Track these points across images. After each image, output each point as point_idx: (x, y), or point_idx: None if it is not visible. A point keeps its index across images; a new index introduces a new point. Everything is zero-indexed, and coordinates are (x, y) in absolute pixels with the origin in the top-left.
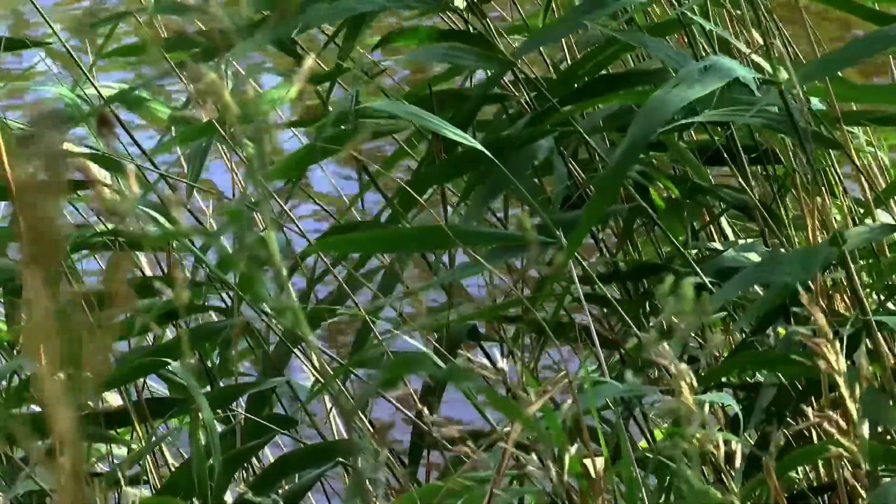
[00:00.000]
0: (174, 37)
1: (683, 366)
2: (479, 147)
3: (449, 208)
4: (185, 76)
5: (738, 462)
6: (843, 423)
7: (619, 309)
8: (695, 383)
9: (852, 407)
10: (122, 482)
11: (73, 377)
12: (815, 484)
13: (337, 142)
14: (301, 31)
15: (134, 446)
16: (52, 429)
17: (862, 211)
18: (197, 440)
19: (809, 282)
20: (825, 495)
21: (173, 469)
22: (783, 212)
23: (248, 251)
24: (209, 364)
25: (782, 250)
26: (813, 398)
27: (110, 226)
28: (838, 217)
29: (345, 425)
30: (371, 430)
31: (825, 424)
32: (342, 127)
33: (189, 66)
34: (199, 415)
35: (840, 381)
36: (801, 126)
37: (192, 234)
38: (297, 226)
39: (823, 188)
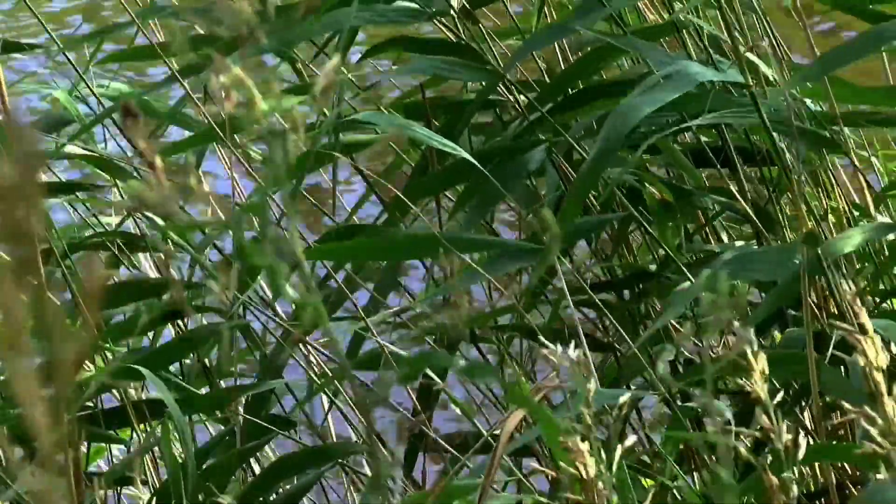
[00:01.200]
0: (190, 36)
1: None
2: (469, 158)
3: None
4: (211, 69)
5: (801, 452)
6: (880, 421)
7: (610, 316)
8: (766, 368)
9: (889, 405)
10: (130, 481)
11: (52, 379)
12: (807, 490)
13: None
14: (294, 44)
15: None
16: (31, 432)
17: (857, 213)
18: (168, 447)
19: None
20: (818, 501)
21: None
22: (779, 214)
23: (270, 244)
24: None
25: (755, 247)
26: (807, 401)
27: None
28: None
29: (364, 419)
30: (373, 431)
31: (862, 422)
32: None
33: (216, 59)
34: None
35: (879, 378)
36: (771, 126)
37: (212, 224)
38: (296, 227)
39: (819, 188)
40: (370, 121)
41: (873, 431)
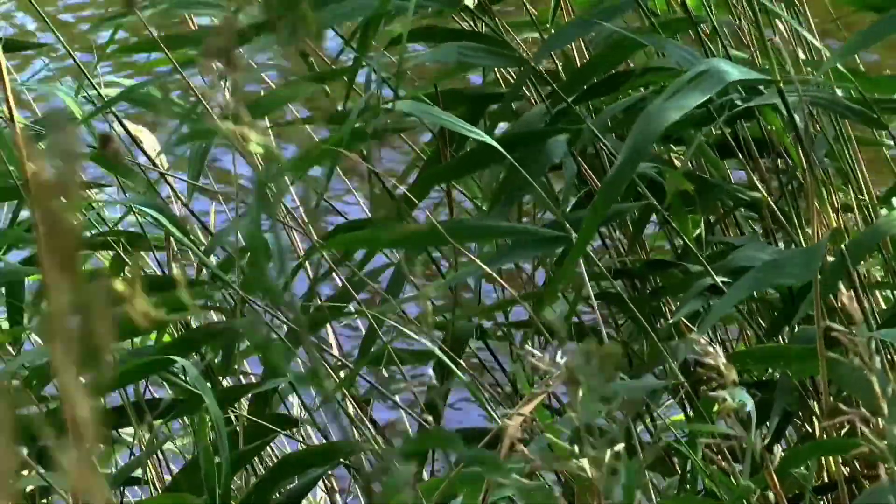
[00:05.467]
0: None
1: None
2: (499, 147)
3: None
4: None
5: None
6: (875, 422)
7: (630, 305)
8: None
9: (884, 407)
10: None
11: (91, 368)
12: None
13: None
14: (314, 35)
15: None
16: (70, 419)
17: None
18: (205, 439)
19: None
20: (827, 495)
21: (173, 470)
22: (793, 209)
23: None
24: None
25: (783, 249)
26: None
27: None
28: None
29: (353, 421)
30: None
31: (857, 422)
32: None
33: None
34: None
35: (874, 380)
36: (800, 125)
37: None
38: (301, 225)
39: (830, 186)
40: (407, 110)
41: (867, 432)
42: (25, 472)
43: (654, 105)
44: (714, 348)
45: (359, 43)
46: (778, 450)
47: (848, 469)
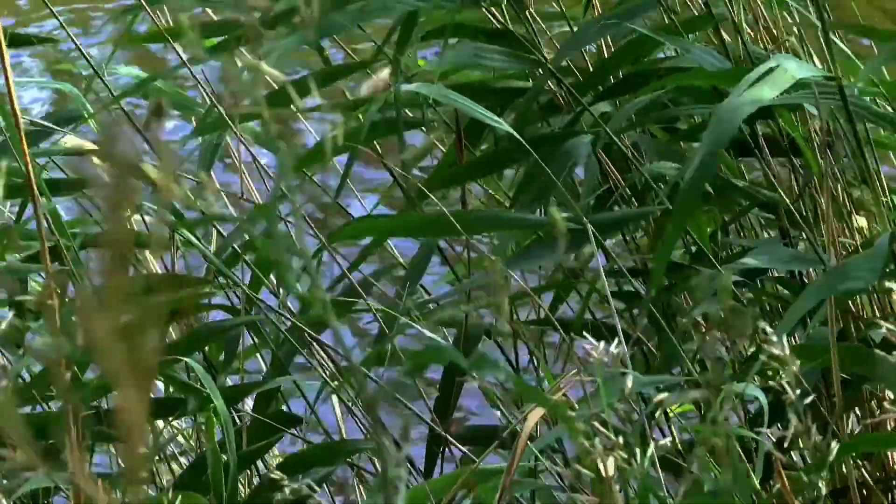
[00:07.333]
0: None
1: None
2: (523, 142)
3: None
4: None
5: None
6: None
7: (648, 303)
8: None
9: None
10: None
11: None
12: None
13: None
14: (334, 34)
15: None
16: (119, 407)
17: None
18: (212, 437)
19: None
20: (839, 499)
21: (175, 468)
22: (805, 209)
23: (278, 242)
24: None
25: (798, 250)
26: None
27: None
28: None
29: (370, 417)
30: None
31: None
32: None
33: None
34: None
35: None
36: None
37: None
38: (310, 225)
39: (846, 188)
40: (433, 95)
41: None
42: (29, 473)
43: (729, 100)
44: (781, 339)
45: (397, 44)
46: (834, 443)
47: (858, 475)
